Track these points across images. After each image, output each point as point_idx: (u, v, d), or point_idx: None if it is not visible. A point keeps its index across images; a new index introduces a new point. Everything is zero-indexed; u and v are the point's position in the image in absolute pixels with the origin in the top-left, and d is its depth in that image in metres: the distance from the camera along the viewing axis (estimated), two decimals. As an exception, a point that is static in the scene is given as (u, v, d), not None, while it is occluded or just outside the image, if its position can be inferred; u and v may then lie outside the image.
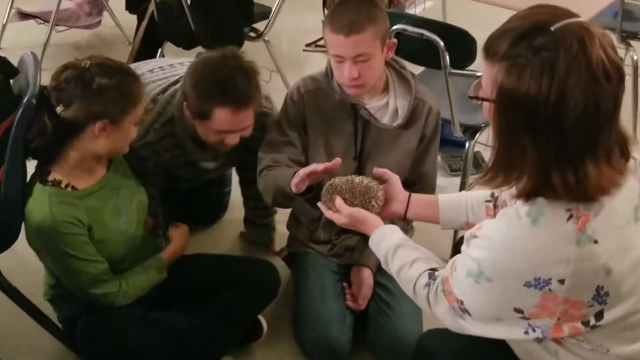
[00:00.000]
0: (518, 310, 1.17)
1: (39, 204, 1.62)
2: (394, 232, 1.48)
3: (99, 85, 1.57)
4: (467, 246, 1.21)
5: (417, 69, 2.42)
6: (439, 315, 1.31)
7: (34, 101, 1.58)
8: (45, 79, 1.65)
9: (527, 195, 1.12)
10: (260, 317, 2.07)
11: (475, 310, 1.22)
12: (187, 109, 1.84)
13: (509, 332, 1.20)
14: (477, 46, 2.22)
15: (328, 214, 1.58)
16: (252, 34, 3.22)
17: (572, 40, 1.03)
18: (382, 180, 1.64)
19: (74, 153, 1.65)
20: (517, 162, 1.10)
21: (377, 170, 1.65)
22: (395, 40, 1.89)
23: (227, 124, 1.80)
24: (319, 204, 1.62)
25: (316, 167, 1.64)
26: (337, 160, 1.64)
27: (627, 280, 1.13)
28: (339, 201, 1.55)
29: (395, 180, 1.64)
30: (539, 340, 1.21)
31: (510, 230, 1.13)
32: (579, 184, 1.07)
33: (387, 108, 1.91)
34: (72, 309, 1.84)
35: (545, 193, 1.10)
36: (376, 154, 1.95)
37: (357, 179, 1.60)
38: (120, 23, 4.01)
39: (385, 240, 1.46)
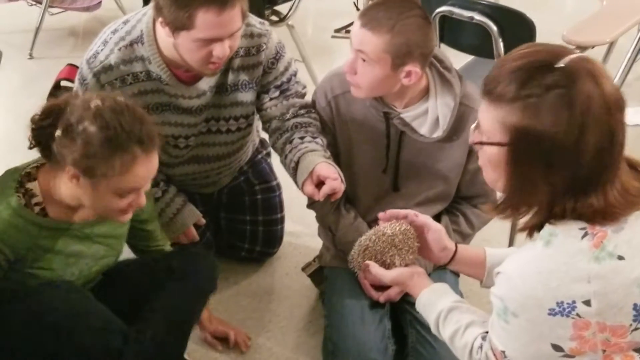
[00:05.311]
0: (557, 348, 1.19)
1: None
2: (445, 293, 1.49)
3: (83, 130, 1.48)
4: (495, 286, 1.26)
5: (465, 59, 2.36)
6: None
7: None
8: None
9: (533, 227, 1.21)
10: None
11: (518, 358, 1.24)
12: (163, 24, 1.74)
13: None
14: (537, 31, 2.15)
15: (365, 278, 1.62)
16: (274, 18, 3.16)
17: (584, 75, 1.12)
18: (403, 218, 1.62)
19: (57, 175, 1.57)
20: (528, 198, 1.20)
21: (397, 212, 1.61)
22: (419, 72, 1.71)
23: (212, 28, 1.71)
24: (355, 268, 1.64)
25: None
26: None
27: None
28: (374, 268, 1.56)
29: (435, 225, 1.60)
30: None
31: (523, 257, 1.21)
32: (576, 212, 1.15)
33: (426, 116, 1.82)
34: None
35: (550, 221, 1.19)
36: (414, 169, 1.89)
37: (388, 230, 1.57)
38: (122, 5, 3.95)
39: (435, 303, 1.47)
